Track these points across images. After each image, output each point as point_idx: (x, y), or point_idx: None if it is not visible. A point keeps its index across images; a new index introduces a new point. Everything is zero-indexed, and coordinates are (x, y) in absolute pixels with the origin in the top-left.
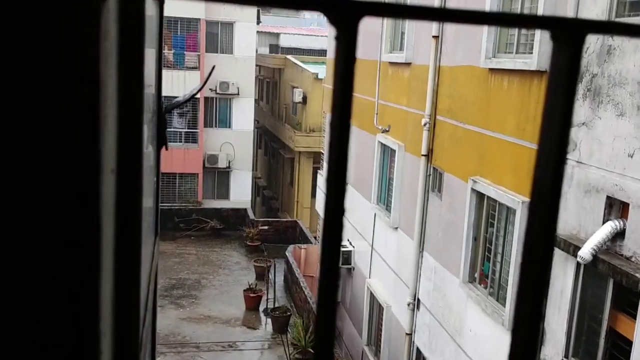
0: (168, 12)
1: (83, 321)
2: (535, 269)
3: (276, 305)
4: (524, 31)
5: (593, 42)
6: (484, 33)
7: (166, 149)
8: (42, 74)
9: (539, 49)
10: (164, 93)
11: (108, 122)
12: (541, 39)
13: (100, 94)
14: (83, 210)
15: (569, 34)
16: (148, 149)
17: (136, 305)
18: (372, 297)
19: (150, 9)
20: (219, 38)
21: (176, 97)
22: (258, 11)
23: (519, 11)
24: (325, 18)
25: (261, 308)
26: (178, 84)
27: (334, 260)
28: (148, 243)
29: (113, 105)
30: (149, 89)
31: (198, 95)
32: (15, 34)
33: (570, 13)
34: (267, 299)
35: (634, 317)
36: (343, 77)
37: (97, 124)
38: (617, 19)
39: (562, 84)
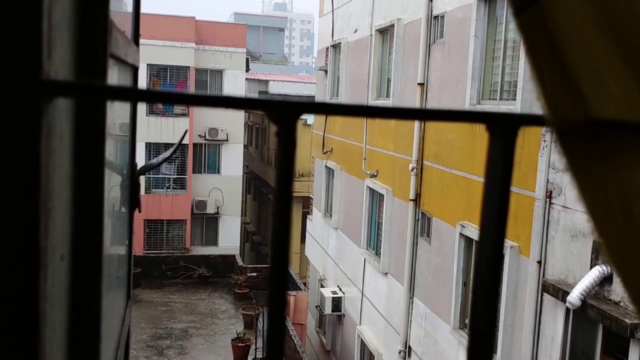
0: (158, 60)
1: None
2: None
3: (265, 355)
4: (507, 78)
5: None
6: (468, 80)
7: (139, 211)
8: None
9: (522, 96)
10: (154, 140)
11: (54, 213)
12: (524, 87)
13: (40, 189)
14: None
15: (502, 127)
16: (120, 212)
17: None
18: (363, 344)
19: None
20: (208, 85)
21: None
22: (247, 59)
23: (500, 68)
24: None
25: (250, 358)
26: (167, 130)
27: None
28: (118, 309)
29: (63, 196)
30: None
31: (187, 142)
32: None
33: None
34: (255, 349)
35: None
36: (283, 167)
37: (37, 218)
38: None
39: (499, 172)
